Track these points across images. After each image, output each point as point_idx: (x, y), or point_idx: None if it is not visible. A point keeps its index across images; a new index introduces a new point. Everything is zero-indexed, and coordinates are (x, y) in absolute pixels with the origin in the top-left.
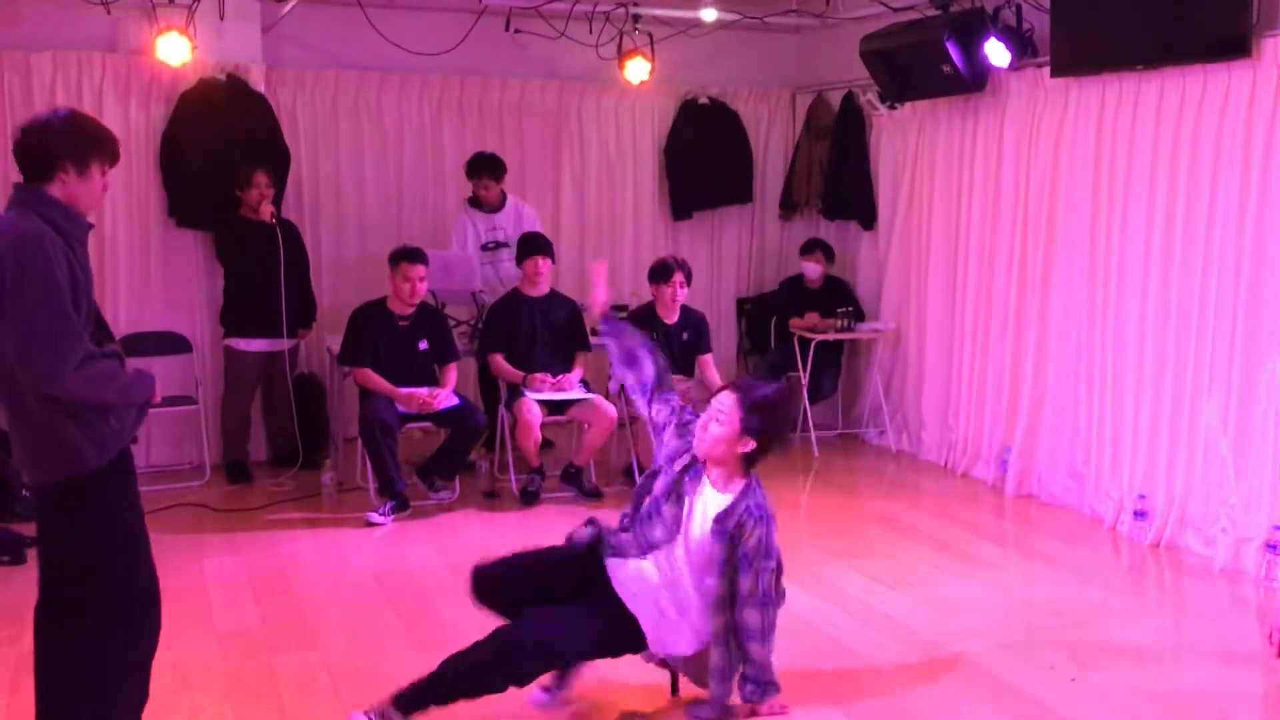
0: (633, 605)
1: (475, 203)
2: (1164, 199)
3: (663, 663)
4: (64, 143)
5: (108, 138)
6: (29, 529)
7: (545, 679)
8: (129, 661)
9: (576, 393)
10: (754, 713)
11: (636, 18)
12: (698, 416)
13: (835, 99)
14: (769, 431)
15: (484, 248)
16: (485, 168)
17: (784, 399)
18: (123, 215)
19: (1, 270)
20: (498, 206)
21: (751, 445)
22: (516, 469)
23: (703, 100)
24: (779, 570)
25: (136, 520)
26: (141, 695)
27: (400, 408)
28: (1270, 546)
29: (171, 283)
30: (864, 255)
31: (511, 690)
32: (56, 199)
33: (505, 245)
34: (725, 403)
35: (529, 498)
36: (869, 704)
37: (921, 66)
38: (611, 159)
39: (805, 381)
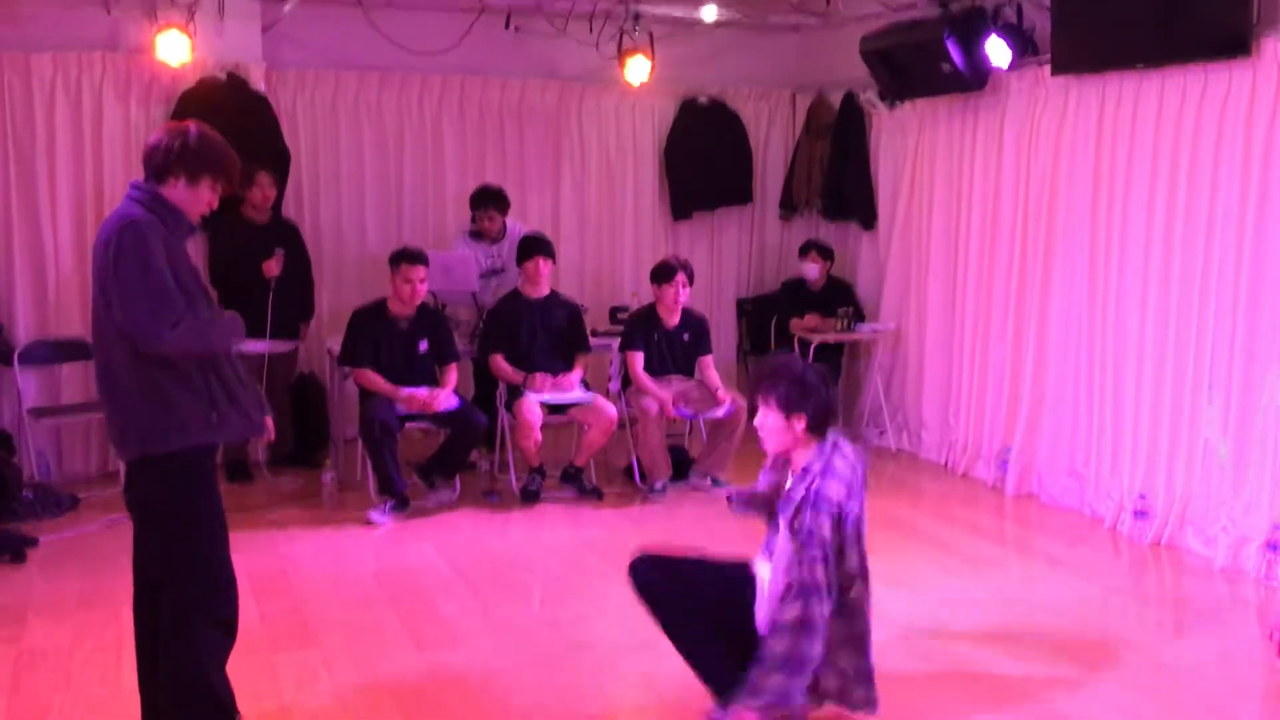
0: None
1: (477, 235)
2: (1164, 199)
3: None
4: (182, 157)
5: (225, 161)
6: (29, 529)
7: None
8: (203, 652)
9: (577, 393)
10: None
11: (637, 17)
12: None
13: (835, 99)
14: (802, 395)
15: (483, 275)
16: (491, 201)
17: (786, 360)
18: None
19: (106, 248)
20: (499, 238)
21: (802, 420)
22: (516, 468)
23: (703, 100)
24: (842, 587)
25: (212, 511)
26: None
27: (400, 408)
28: (1270, 546)
29: None
30: (864, 255)
31: None
32: (164, 198)
33: (504, 271)
34: (762, 399)
35: (529, 497)
36: None
37: (922, 66)
38: (611, 159)
39: None
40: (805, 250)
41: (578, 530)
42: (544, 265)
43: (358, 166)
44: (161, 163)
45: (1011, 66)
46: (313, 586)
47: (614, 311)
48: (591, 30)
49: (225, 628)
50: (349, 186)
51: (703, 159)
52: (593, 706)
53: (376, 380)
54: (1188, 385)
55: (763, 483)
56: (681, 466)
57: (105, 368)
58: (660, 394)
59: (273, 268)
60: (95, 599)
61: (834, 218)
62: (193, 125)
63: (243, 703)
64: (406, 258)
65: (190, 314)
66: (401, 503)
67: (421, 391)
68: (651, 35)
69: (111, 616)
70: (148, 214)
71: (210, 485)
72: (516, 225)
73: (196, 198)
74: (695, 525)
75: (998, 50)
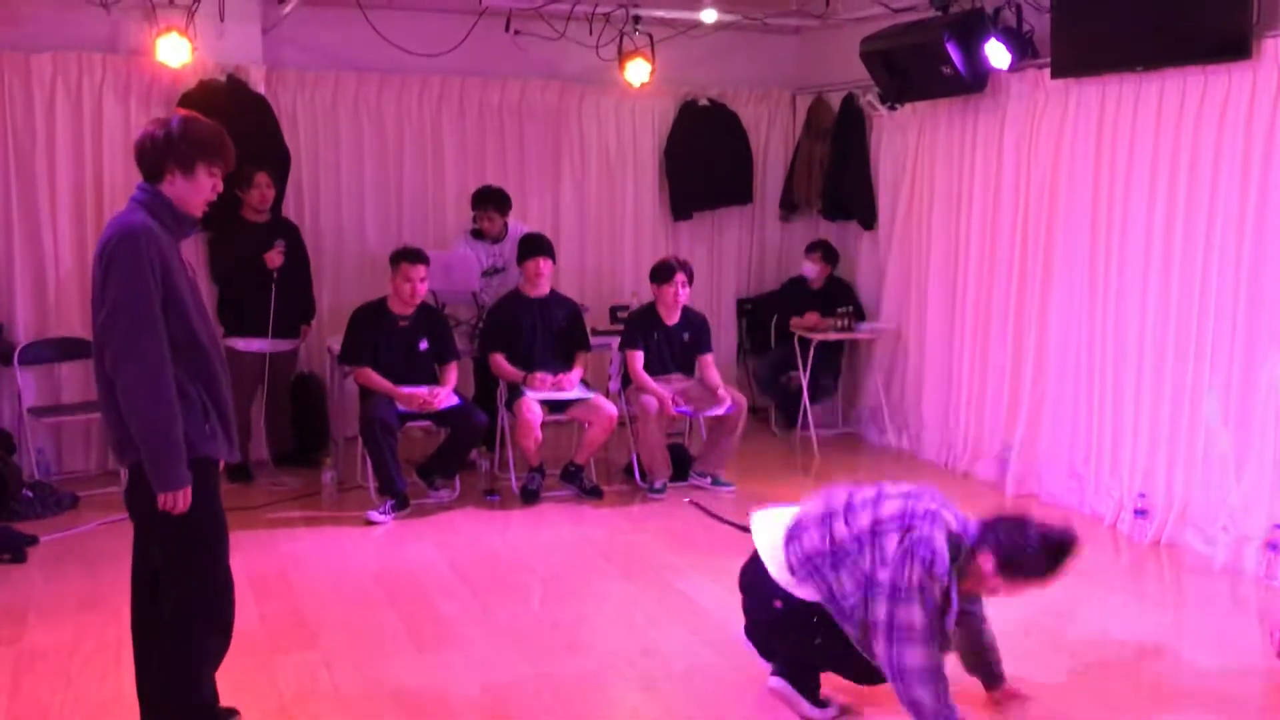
0: None
1: (478, 235)
2: (1164, 200)
3: None
4: (170, 148)
5: (215, 142)
6: (29, 528)
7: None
8: (197, 654)
9: (577, 392)
10: None
11: (637, 19)
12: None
13: (835, 100)
14: (1018, 565)
15: (484, 273)
16: (492, 202)
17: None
18: None
19: (103, 257)
20: (500, 237)
21: (1018, 582)
22: (516, 468)
23: (703, 101)
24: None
25: (213, 516)
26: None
27: (400, 407)
28: (1270, 546)
29: None
30: (864, 255)
31: None
32: (166, 197)
33: (504, 270)
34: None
35: (529, 496)
36: (869, 703)
37: (921, 67)
38: (611, 159)
39: (805, 381)
40: (811, 249)
41: (578, 529)
42: (544, 265)
43: (358, 167)
44: (152, 159)
45: (1011, 69)
46: (313, 586)
47: (614, 311)
48: (591, 33)
49: (221, 631)
50: (349, 186)
51: (703, 159)
52: (593, 707)
53: (377, 379)
54: (1188, 384)
55: None
56: (682, 465)
57: (105, 375)
58: (660, 392)
59: (275, 258)
60: (95, 599)
61: (834, 218)
62: (176, 114)
63: (243, 703)
64: (407, 257)
65: (185, 332)
66: (401, 502)
67: (422, 390)
68: (651, 37)
69: (111, 616)
70: (150, 218)
71: (211, 488)
72: (517, 225)
73: (196, 188)
74: (696, 524)
75: (997, 53)
